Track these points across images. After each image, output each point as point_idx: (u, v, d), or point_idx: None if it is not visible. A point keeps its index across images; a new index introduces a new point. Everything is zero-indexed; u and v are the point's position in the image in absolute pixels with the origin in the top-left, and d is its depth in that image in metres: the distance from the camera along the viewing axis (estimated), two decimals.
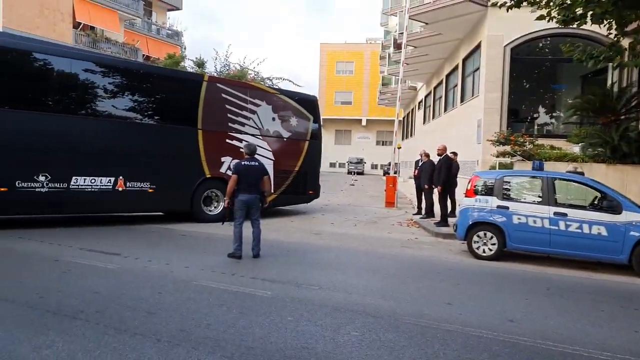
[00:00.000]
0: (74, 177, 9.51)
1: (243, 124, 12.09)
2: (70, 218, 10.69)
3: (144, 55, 30.72)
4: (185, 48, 35.51)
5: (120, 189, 10.10)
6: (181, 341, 4.01)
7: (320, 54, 53.01)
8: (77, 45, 24.28)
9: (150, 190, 10.51)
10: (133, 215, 11.49)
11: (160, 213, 11.97)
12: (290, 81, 24.69)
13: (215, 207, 11.66)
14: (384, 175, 40.44)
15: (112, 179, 10.01)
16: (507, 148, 12.33)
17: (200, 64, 25.91)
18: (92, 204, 9.89)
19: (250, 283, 6.01)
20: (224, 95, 11.73)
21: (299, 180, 13.31)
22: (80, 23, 26.56)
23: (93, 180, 9.76)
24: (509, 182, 8.76)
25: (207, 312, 4.82)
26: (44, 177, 9.15)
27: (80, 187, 9.60)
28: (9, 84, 9.02)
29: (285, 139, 13.09)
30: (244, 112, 12.11)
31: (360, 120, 52.31)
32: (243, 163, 7.57)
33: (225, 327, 4.39)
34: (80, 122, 9.71)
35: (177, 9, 36.97)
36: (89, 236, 8.81)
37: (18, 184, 8.88)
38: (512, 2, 9.54)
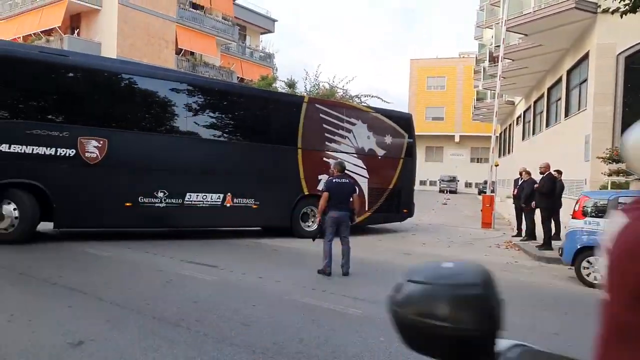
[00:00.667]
0: (188, 194, 10.19)
1: (339, 143, 12.37)
2: (170, 231, 11.39)
3: (238, 77, 32.42)
4: (276, 69, 36.97)
5: (228, 204, 10.69)
6: (275, 354, 4.05)
7: (410, 70, 52.55)
8: (178, 69, 26.22)
9: (254, 207, 11.02)
10: (227, 229, 11.96)
11: (257, 228, 12.37)
12: (379, 98, 24.57)
13: (312, 223, 11.90)
14: (480, 194, 38.69)
15: (221, 195, 10.61)
16: (622, 166, 11.23)
17: (291, 84, 26.76)
18: (202, 219, 10.57)
19: (340, 300, 5.97)
20: (321, 115, 12.12)
21: (393, 198, 13.26)
22: (181, 49, 28.71)
23: (204, 197, 10.41)
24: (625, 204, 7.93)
25: (299, 326, 4.84)
26: (162, 194, 9.90)
27: (193, 202, 10.27)
28: (137, 109, 10.06)
29: (379, 157, 13.11)
30: (340, 131, 12.38)
31: (453, 136, 50.73)
32: (334, 180, 7.62)
33: (318, 344, 4.37)
34: (195, 143, 10.51)
35: (270, 32, 38.68)
36: (188, 249, 9.31)
37: (140, 200, 9.68)
38: (627, 7, 8.72)
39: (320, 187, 11.73)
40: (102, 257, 8.08)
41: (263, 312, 5.29)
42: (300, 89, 26.04)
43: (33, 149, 8.66)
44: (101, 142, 9.28)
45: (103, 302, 5.36)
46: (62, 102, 9.35)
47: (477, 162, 49.50)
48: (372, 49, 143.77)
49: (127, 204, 9.57)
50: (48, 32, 26.29)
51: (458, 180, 46.33)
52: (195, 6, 30.46)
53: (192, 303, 5.47)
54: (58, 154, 8.88)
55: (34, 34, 26.52)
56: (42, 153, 8.73)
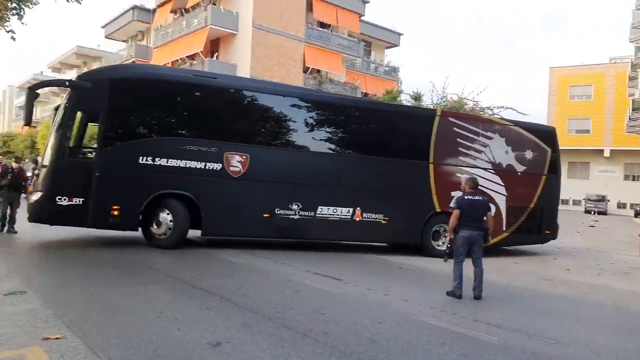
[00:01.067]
0: (319, 207, 10.51)
1: (474, 158, 11.80)
2: (294, 243, 11.67)
3: (362, 92, 32.79)
4: (401, 83, 36.70)
5: (357, 219, 10.74)
6: None
7: (549, 79, 48.50)
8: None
9: (383, 222, 10.93)
10: (350, 244, 11.95)
11: (383, 244, 12.23)
12: (514, 110, 22.93)
13: (443, 242, 11.40)
14: (636, 216, 34.05)
15: (351, 210, 10.71)
16: None
17: (417, 97, 26.30)
18: (332, 232, 10.78)
19: (472, 325, 5.58)
20: (455, 129, 11.68)
21: (534, 218, 12.31)
22: (308, 67, 29.89)
23: (335, 210, 10.62)
24: None
25: (428, 348, 4.61)
26: (296, 206, 10.32)
27: (324, 215, 10.54)
28: (276, 126, 10.67)
29: (519, 173, 12.24)
30: (476, 145, 11.82)
31: (602, 150, 45.33)
32: (466, 197, 7.22)
33: None
34: (328, 158, 10.84)
35: (395, 45, 38.61)
36: (313, 260, 9.51)
37: (277, 211, 10.21)
38: None
39: (452, 204, 11.30)
40: (236, 264, 8.59)
41: (390, 330, 5.14)
42: (427, 102, 25.50)
43: (186, 163, 9.56)
44: (244, 157, 9.95)
45: (237, 306, 5.64)
46: (211, 120, 10.20)
47: (633, 179, 43.73)
48: (505, 58, 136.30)
49: (265, 215, 10.10)
50: (192, 57, 29.25)
51: (608, 200, 41.23)
52: (322, 25, 31.64)
53: (319, 314, 5.51)
54: (207, 167, 9.68)
55: (181, 59, 29.68)
56: (194, 167, 9.60)
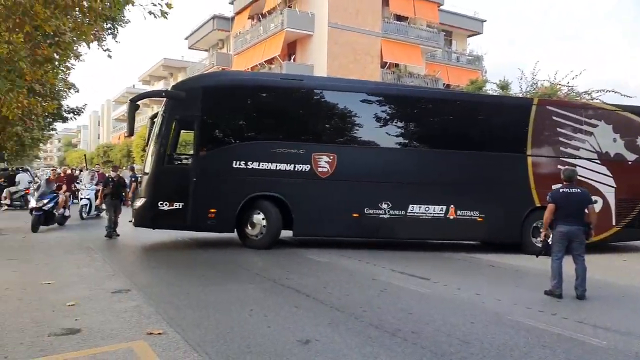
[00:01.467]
0: (410, 205, 10.30)
1: (577, 148, 11.01)
2: (380, 242, 11.53)
3: (444, 84, 31.75)
4: (486, 71, 35.03)
5: (451, 217, 10.39)
6: None
7: None
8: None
9: (479, 219, 10.46)
10: (436, 242, 11.60)
11: (474, 242, 11.77)
12: (616, 92, 20.90)
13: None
14: None
15: (444, 207, 10.37)
16: None
17: (504, 86, 24.97)
18: (424, 231, 10.53)
19: (576, 327, 5.17)
20: (555, 118, 10.98)
21: None
22: (386, 62, 29.45)
23: (427, 208, 10.34)
24: None
25: (526, 351, 4.34)
26: (386, 205, 10.18)
27: (415, 214, 10.30)
28: (362, 124, 10.54)
29: (630, 162, 11.23)
30: (578, 135, 11.01)
31: None
32: (561, 190, 6.75)
33: None
34: (417, 154, 10.64)
35: (478, 33, 36.98)
36: (399, 259, 9.33)
37: (366, 211, 10.14)
38: None
39: (547, 198, 10.54)
40: (322, 263, 8.66)
41: (483, 330, 4.90)
42: (515, 91, 24.14)
43: (276, 166, 9.81)
44: (331, 157, 10.01)
45: (324, 305, 5.68)
46: (299, 122, 10.39)
47: None
48: (601, 39, 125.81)
49: (355, 215, 10.06)
50: (270, 61, 30.01)
51: None
52: (399, 18, 31.07)
53: (407, 314, 5.39)
54: (296, 169, 9.88)
55: (259, 64, 30.55)
56: (284, 169, 9.83)
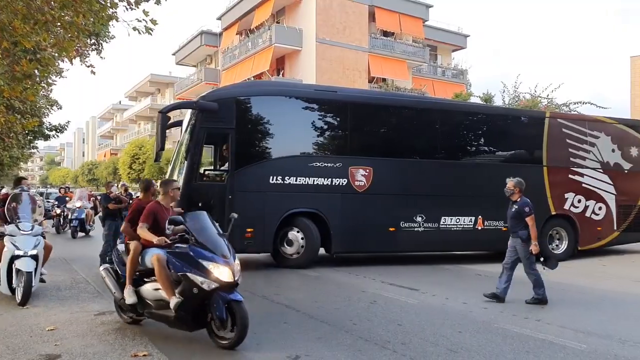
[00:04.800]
0: (442, 217, 10.39)
1: (584, 158, 11.70)
2: (368, 255, 11.53)
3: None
4: (470, 85, 35.62)
5: (479, 227, 10.63)
6: None
7: (630, 69, 45.05)
8: None
9: (504, 229, 10.53)
10: (419, 253, 11.65)
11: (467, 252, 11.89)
12: (593, 104, 21.59)
13: (557, 246, 11.38)
14: None
15: (473, 218, 10.60)
16: None
17: (487, 99, 25.41)
18: (455, 242, 10.68)
19: (558, 332, 5.32)
20: (564, 130, 11.61)
21: None
22: (374, 77, 29.84)
23: (458, 220, 10.51)
24: None
25: (512, 357, 4.49)
26: (420, 218, 10.25)
27: (447, 226, 10.43)
28: (395, 136, 10.68)
29: (626, 171, 12.13)
30: (584, 146, 11.72)
31: None
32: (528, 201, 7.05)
33: None
34: (447, 167, 10.71)
35: (462, 47, 37.63)
36: (388, 271, 9.39)
37: (402, 225, 10.11)
38: None
39: (567, 206, 11.40)
40: (311, 277, 8.75)
41: (470, 339, 5.03)
42: (498, 103, 24.59)
43: (314, 180, 9.54)
44: (367, 170, 9.91)
45: (314, 319, 5.76)
46: (335, 134, 10.21)
47: None
48: (580, 53, 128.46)
49: (391, 229, 10.01)
50: (258, 76, 30.23)
51: None
52: (386, 33, 31.57)
53: (397, 325, 5.50)
54: (333, 183, 9.67)
55: (248, 79, 30.76)
56: (321, 183, 9.57)
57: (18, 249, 6.39)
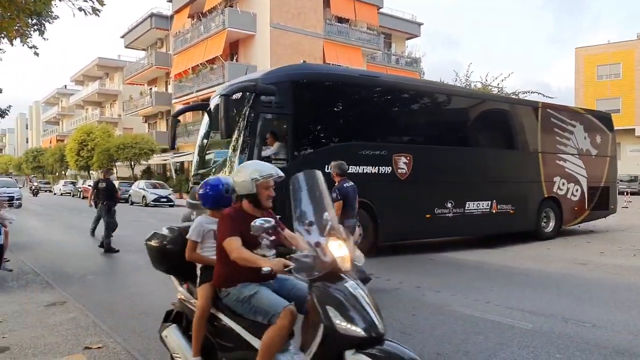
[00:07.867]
0: (467, 202, 10.69)
1: (566, 145, 12.82)
2: None
3: None
4: (424, 73, 36.31)
5: (494, 211, 11.17)
6: None
7: (575, 60, 47.21)
8: None
9: (511, 212, 11.46)
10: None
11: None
12: (539, 94, 22.56)
13: (546, 224, 12.50)
14: None
15: (490, 202, 11.11)
16: None
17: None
18: (476, 226, 11.06)
19: (507, 313, 5.52)
20: (552, 119, 12.63)
21: (603, 195, 13.77)
22: (329, 64, 29.80)
23: (478, 204, 10.93)
24: None
25: (463, 338, 4.60)
26: (450, 204, 10.42)
27: (470, 210, 10.79)
28: (434, 124, 10.81)
29: (593, 156, 13.53)
30: (565, 134, 12.82)
31: (633, 130, 43.86)
32: (345, 185, 6.60)
33: (486, 357, 4.11)
34: (471, 152, 11.06)
35: (416, 36, 38.20)
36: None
37: (436, 211, 10.25)
38: None
39: (554, 189, 12.38)
40: None
41: (424, 321, 5.14)
42: None
43: (363, 169, 9.30)
44: (408, 157, 9.87)
45: None
46: (381, 121, 9.90)
47: None
48: (529, 42, 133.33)
49: (427, 216, 10.11)
50: (211, 61, 29.55)
51: None
52: (340, 20, 31.53)
53: None
54: (380, 171, 9.54)
55: (201, 63, 30.01)
56: (369, 172, 9.40)
57: None
